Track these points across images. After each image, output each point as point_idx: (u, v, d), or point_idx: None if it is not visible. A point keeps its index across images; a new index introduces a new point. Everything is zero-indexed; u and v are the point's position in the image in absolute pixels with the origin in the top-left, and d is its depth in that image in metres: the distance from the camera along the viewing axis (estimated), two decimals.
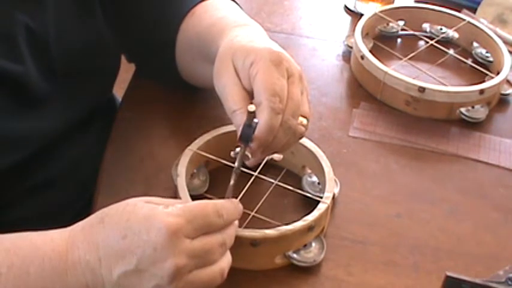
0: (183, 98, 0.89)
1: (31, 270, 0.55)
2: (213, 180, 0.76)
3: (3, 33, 0.68)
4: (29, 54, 0.70)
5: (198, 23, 0.80)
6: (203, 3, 0.82)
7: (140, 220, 0.55)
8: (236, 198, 0.65)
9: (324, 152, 0.76)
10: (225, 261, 0.59)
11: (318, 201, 0.70)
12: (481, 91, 0.89)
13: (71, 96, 0.77)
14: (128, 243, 0.55)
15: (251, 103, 0.65)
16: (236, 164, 0.66)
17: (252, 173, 0.73)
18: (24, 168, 0.74)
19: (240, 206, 0.63)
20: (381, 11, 1.03)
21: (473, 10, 1.11)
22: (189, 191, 0.70)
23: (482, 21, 1.05)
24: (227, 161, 0.74)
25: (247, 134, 0.64)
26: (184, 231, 0.55)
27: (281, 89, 0.64)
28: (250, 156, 0.66)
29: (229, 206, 0.61)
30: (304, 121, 0.67)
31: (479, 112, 0.90)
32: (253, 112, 0.63)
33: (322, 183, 0.75)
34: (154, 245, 0.54)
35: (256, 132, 0.64)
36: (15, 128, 0.70)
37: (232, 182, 0.65)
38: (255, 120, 0.63)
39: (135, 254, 0.54)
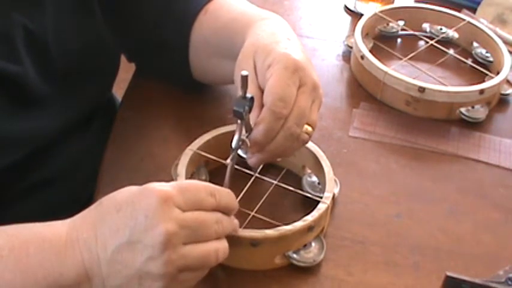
0: (183, 98, 0.89)
1: (31, 251, 0.56)
2: (213, 180, 0.75)
3: (1, 34, 0.68)
4: (28, 54, 0.70)
5: (215, 19, 0.81)
6: (215, 1, 0.83)
7: (134, 192, 0.57)
8: (237, 195, 0.64)
9: (324, 152, 0.76)
10: (221, 245, 0.59)
11: (318, 201, 0.70)
12: (481, 91, 0.89)
13: (70, 96, 0.77)
14: (122, 215, 0.56)
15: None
16: (233, 144, 0.64)
17: (252, 173, 0.73)
18: (23, 168, 0.74)
19: (233, 195, 0.62)
20: (381, 11, 1.03)
21: (473, 10, 1.11)
22: None
23: (482, 21, 1.06)
24: (227, 161, 0.74)
25: (239, 105, 0.62)
26: (175, 200, 0.56)
27: (289, 95, 0.64)
28: (248, 142, 0.65)
29: (222, 190, 0.61)
30: (309, 128, 0.68)
31: (479, 112, 0.90)
32: (246, 77, 0.61)
33: (322, 183, 0.75)
34: (145, 212, 0.55)
35: (254, 132, 0.64)
36: (15, 128, 0.70)
37: (229, 163, 0.64)
38: (248, 94, 0.62)
39: (128, 225, 0.55)
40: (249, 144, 0.65)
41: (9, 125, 0.70)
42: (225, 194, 0.61)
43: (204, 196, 0.59)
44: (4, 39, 0.68)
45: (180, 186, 0.58)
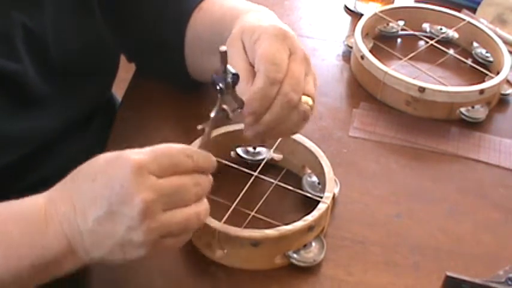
0: (183, 97, 0.89)
1: (11, 228, 0.56)
2: (213, 180, 0.76)
3: (0, 33, 0.68)
4: (27, 53, 0.70)
5: (209, 16, 0.81)
6: None
7: (108, 161, 0.57)
8: (237, 195, 0.64)
9: (324, 152, 0.76)
10: (202, 207, 0.59)
11: (318, 201, 0.70)
12: (481, 91, 0.89)
13: (70, 96, 0.77)
14: (98, 185, 0.55)
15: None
16: (212, 114, 0.62)
17: (252, 173, 0.73)
18: (23, 167, 0.73)
19: (213, 157, 0.61)
20: (381, 11, 1.03)
21: (473, 10, 1.11)
22: None
23: (482, 21, 1.05)
24: (227, 161, 0.74)
25: (218, 79, 0.61)
26: (150, 167, 0.55)
27: (281, 59, 0.64)
28: (230, 112, 0.62)
29: (199, 151, 0.60)
30: (310, 101, 0.66)
31: (479, 112, 0.90)
32: (225, 52, 0.60)
33: (322, 183, 0.75)
34: (121, 182, 0.54)
35: (248, 100, 0.63)
36: (15, 128, 0.70)
37: (206, 129, 0.62)
38: (231, 69, 0.61)
39: (105, 196, 0.54)
40: (230, 114, 0.62)
41: (9, 124, 0.70)
42: (202, 155, 0.60)
43: (181, 159, 0.57)
44: (4, 38, 0.68)
45: (155, 152, 0.56)
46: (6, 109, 0.69)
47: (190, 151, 0.59)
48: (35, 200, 0.58)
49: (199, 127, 0.62)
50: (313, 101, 0.67)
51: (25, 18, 0.69)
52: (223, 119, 0.63)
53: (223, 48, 0.60)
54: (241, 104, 0.64)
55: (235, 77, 0.61)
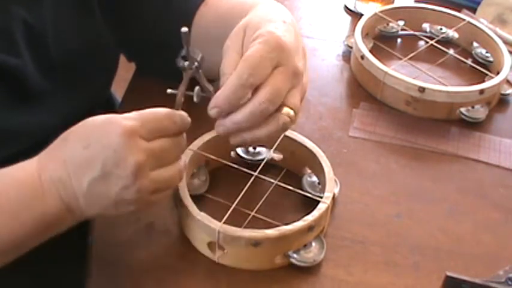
0: None
1: (11, 195, 0.59)
2: (213, 180, 0.76)
3: (0, 27, 0.68)
4: (27, 48, 0.70)
5: (215, 10, 0.81)
6: None
7: (99, 127, 0.60)
8: (237, 195, 0.64)
9: (324, 152, 0.76)
10: (181, 163, 0.64)
11: (318, 201, 0.70)
12: (481, 91, 0.89)
13: (69, 92, 0.77)
14: (91, 151, 0.59)
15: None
16: (179, 91, 0.67)
17: (252, 173, 0.73)
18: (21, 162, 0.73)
19: (188, 118, 0.65)
20: (381, 11, 1.03)
21: (473, 10, 1.11)
22: (189, 191, 0.70)
23: (482, 21, 1.06)
24: (227, 161, 0.74)
25: (179, 60, 0.66)
26: (140, 132, 0.60)
27: (259, 66, 0.64)
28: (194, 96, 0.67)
29: (181, 113, 0.64)
30: (291, 112, 0.66)
31: (479, 112, 0.90)
32: (186, 33, 0.63)
33: (322, 183, 0.75)
34: (114, 147, 0.58)
35: (216, 93, 0.65)
36: (14, 122, 0.70)
37: (178, 93, 0.67)
38: (195, 53, 0.65)
39: (99, 160, 0.58)
40: (195, 97, 0.67)
41: (8, 118, 0.70)
42: (182, 117, 0.64)
43: (166, 124, 0.62)
44: (3, 32, 0.68)
45: (143, 118, 0.61)
46: (6, 103, 0.69)
47: (175, 116, 0.63)
48: (28, 167, 0.61)
49: (169, 91, 0.67)
50: (296, 113, 0.67)
51: (24, 13, 0.70)
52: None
53: (184, 29, 0.63)
54: (208, 92, 0.67)
55: (202, 60, 0.66)
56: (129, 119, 0.60)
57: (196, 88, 0.67)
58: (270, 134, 0.66)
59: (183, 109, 0.66)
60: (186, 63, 0.65)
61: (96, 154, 0.58)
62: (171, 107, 0.65)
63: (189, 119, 0.65)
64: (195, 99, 0.67)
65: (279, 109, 0.65)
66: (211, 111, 0.66)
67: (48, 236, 0.61)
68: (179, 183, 0.66)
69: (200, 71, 0.66)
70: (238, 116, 0.65)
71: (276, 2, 0.76)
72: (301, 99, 0.68)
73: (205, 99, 0.67)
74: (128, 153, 0.58)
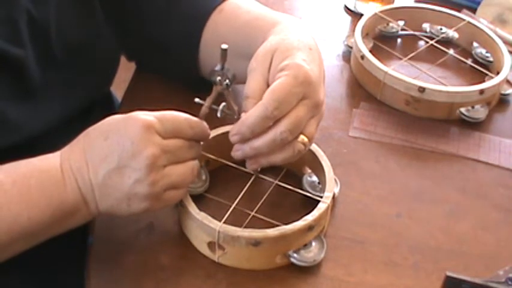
0: (183, 98, 0.88)
1: (32, 183, 0.61)
2: (213, 180, 0.76)
3: (4, 16, 0.68)
4: (30, 39, 0.70)
5: (234, 18, 0.81)
6: (230, 1, 0.83)
7: (119, 121, 0.63)
8: (237, 195, 0.64)
9: (324, 152, 0.76)
10: (195, 163, 0.66)
11: (318, 201, 0.70)
12: (481, 91, 0.89)
13: (69, 87, 0.77)
14: (109, 142, 0.61)
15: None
16: (206, 102, 0.68)
17: (252, 173, 0.73)
18: (20, 155, 0.73)
19: (209, 130, 0.68)
20: (381, 11, 1.03)
21: (473, 10, 1.11)
22: (189, 190, 0.70)
23: (482, 21, 1.06)
24: (227, 161, 0.74)
25: (212, 74, 0.67)
26: (157, 127, 0.62)
27: (286, 101, 0.65)
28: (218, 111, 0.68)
29: (201, 122, 0.67)
30: (305, 139, 0.68)
31: (479, 112, 0.90)
32: (225, 50, 0.65)
33: (322, 183, 0.75)
34: (131, 139, 0.61)
35: (240, 120, 0.66)
36: (14, 112, 0.70)
37: (205, 103, 0.68)
38: (230, 69, 0.67)
39: (116, 152, 0.61)
40: (219, 113, 0.68)
41: (8, 108, 0.70)
42: (201, 126, 0.66)
43: (184, 127, 0.64)
44: (7, 20, 0.68)
45: (162, 117, 0.63)
46: (7, 94, 0.69)
47: (194, 123, 0.65)
48: (51, 158, 0.64)
49: (196, 100, 0.68)
50: (310, 141, 0.69)
51: (29, 5, 0.70)
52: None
53: (224, 46, 0.65)
54: (232, 111, 0.69)
55: (234, 77, 0.67)
56: (149, 115, 0.63)
57: (222, 104, 0.68)
58: (285, 159, 0.68)
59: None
60: (218, 79, 0.67)
61: (114, 146, 0.61)
62: (172, 107, 0.66)
63: (209, 131, 0.67)
64: (218, 114, 0.69)
65: (296, 137, 0.67)
66: (233, 137, 0.67)
67: (62, 229, 0.63)
68: (191, 183, 0.67)
69: (230, 89, 0.68)
70: (259, 143, 0.67)
71: (297, 20, 0.77)
72: (317, 124, 0.70)
73: (227, 116, 0.69)
74: (145, 146, 0.60)
